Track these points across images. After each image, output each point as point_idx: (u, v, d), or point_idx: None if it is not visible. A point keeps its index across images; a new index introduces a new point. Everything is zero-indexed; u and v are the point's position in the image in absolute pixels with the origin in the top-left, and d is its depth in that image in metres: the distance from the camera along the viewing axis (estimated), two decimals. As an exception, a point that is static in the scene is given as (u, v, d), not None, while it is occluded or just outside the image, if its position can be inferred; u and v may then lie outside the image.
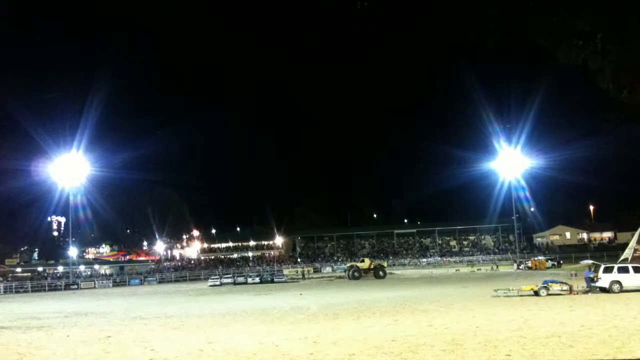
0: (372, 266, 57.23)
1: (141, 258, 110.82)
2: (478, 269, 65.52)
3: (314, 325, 20.49)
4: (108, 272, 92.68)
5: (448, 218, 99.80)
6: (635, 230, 41.91)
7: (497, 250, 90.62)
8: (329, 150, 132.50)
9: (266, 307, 29.34)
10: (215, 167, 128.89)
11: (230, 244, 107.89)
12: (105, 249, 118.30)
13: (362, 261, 59.31)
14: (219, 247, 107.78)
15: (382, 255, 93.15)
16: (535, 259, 64.19)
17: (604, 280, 28.25)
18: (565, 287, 28.91)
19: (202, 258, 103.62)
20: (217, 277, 62.92)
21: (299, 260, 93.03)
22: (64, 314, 29.90)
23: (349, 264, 62.88)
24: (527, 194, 76.22)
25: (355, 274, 55.38)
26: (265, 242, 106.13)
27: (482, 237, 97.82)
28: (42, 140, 68.22)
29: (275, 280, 60.06)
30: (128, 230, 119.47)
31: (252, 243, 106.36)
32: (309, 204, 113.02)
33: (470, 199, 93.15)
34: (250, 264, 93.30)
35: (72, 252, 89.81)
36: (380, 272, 55.87)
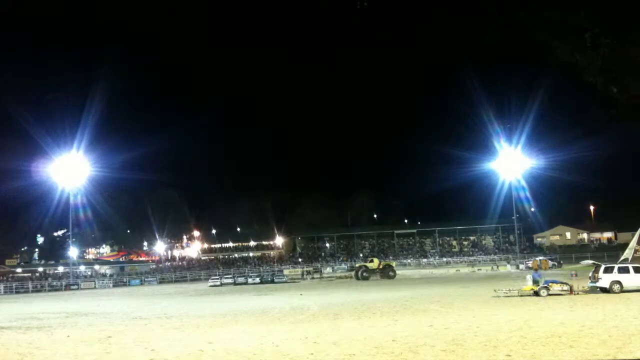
0: (381, 266, 56.49)
1: (141, 258, 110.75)
2: (478, 269, 65.49)
3: (314, 325, 20.48)
4: (108, 272, 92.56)
5: (448, 218, 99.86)
6: (635, 230, 41.80)
7: (497, 251, 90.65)
8: (329, 150, 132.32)
9: (266, 307, 29.33)
10: (215, 167, 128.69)
11: (231, 244, 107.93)
12: (105, 249, 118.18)
13: (371, 261, 58.15)
14: (219, 247, 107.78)
15: (382, 255, 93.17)
16: (539, 258, 64.10)
17: (605, 280, 28.23)
18: (565, 287, 28.91)
19: (203, 258, 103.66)
20: (218, 277, 62.90)
21: (299, 260, 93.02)
22: (65, 314, 29.89)
23: (358, 264, 62.32)
24: (528, 194, 76.22)
25: (365, 274, 54.63)
26: (266, 242, 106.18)
27: (483, 237, 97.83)
28: (42, 140, 68.18)
29: (275, 280, 60.08)
30: (128, 231, 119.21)
31: (252, 243, 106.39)
32: (309, 204, 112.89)
33: (470, 199, 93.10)
34: (251, 264, 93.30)
35: (73, 252, 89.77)
36: (390, 272, 55.12)
